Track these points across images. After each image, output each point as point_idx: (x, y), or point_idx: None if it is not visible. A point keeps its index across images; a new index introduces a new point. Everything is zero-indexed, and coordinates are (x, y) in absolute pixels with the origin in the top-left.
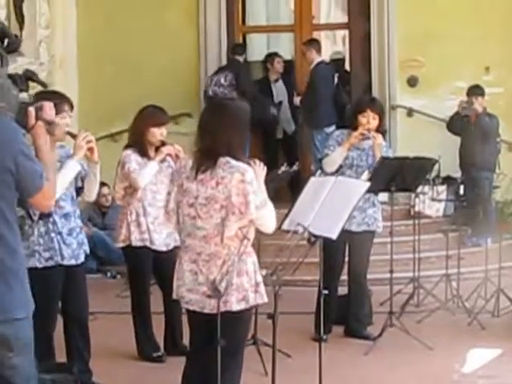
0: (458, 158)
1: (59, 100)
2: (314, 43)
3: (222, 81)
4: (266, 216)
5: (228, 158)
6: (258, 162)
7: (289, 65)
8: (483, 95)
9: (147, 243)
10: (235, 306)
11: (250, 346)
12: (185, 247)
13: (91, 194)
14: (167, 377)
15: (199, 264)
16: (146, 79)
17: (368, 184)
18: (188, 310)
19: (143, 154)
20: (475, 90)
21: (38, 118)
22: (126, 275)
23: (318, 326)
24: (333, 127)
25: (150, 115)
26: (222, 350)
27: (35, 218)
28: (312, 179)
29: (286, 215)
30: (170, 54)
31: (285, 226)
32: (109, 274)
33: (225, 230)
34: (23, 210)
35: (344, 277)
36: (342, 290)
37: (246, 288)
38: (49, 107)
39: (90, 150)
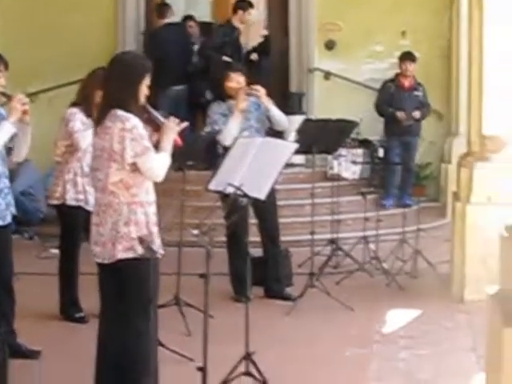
0: (385, 123)
1: None
2: None
3: None
4: (150, 164)
5: (118, 110)
6: (173, 118)
7: (208, 27)
8: (415, 61)
9: (82, 203)
10: (122, 254)
11: (172, 307)
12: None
13: (20, 154)
14: (90, 337)
15: (100, 215)
16: (62, 39)
17: (296, 145)
18: (97, 264)
19: (88, 114)
20: (407, 56)
21: None
22: (42, 237)
23: (237, 287)
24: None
25: (100, 77)
26: (125, 302)
27: None
28: (239, 140)
29: (213, 176)
30: (87, 14)
31: (212, 187)
32: (26, 235)
33: (108, 177)
34: None
35: (257, 239)
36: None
37: (134, 238)
38: None
39: (25, 112)
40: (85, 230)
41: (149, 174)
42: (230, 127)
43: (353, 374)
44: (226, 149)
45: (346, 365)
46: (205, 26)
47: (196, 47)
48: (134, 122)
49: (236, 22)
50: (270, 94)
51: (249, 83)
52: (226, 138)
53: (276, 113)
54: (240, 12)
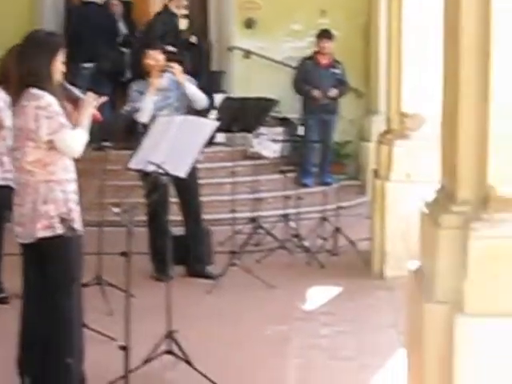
0: (302, 101)
1: None
2: None
3: None
4: (66, 140)
5: (32, 89)
6: (90, 93)
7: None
8: (332, 39)
9: (10, 183)
10: (41, 233)
11: (94, 286)
12: None
13: None
14: (12, 317)
15: (21, 195)
16: None
17: (217, 123)
18: (19, 244)
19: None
20: (324, 34)
21: None
22: None
23: (158, 266)
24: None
25: None
26: (48, 282)
27: None
28: (159, 119)
29: (133, 154)
30: None
31: (132, 165)
32: None
33: (24, 156)
34: None
35: (178, 217)
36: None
37: (52, 216)
38: None
39: None
40: (10, 209)
41: (65, 150)
42: (145, 104)
43: (275, 351)
44: (146, 127)
45: (268, 342)
46: (127, 4)
47: (121, 25)
48: (48, 99)
49: (174, 9)
50: (199, 73)
51: (169, 60)
52: (141, 115)
53: (192, 91)
54: None
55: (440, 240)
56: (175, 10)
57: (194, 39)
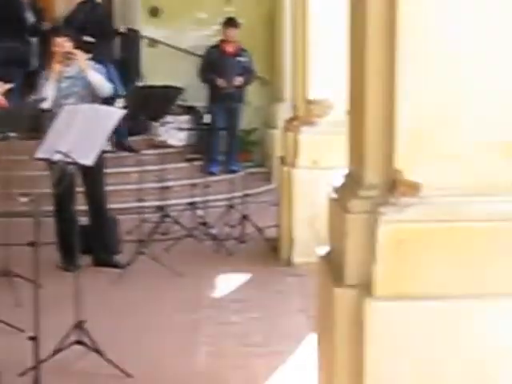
0: (208, 89)
1: None
2: None
3: None
4: None
5: None
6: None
7: None
8: (237, 27)
9: None
10: None
11: (1, 278)
12: None
13: None
14: None
15: None
16: None
17: (123, 111)
18: None
19: None
20: (229, 22)
21: None
22: None
23: (65, 256)
24: None
25: None
26: None
27: None
28: (66, 107)
29: (40, 144)
30: None
31: (39, 155)
32: None
33: None
34: None
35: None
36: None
37: None
38: None
39: None
40: None
41: None
42: (46, 91)
43: (185, 340)
44: (52, 116)
45: (179, 330)
46: None
47: (28, 14)
48: None
49: None
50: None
51: (79, 48)
52: (44, 103)
53: (94, 78)
54: None
55: (348, 224)
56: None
57: (123, 29)
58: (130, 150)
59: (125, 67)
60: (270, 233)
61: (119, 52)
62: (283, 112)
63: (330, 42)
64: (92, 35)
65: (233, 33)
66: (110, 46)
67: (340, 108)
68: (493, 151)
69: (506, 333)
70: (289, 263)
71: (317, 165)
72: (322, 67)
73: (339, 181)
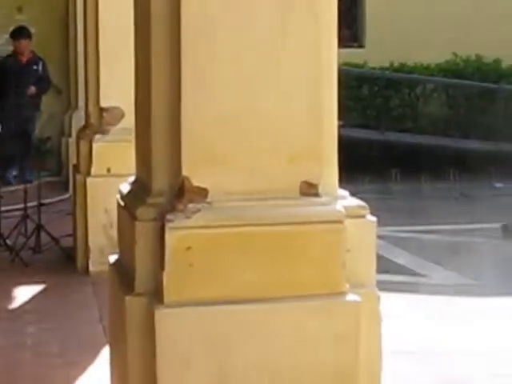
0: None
1: None
2: None
3: None
4: None
5: None
6: None
7: None
8: (25, 36)
9: None
10: None
11: None
12: None
13: None
14: None
15: None
16: None
17: None
18: None
19: None
20: (18, 33)
21: None
22: None
23: None
24: None
25: None
26: None
27: None
28: None
29: None
30: None
31: None
32: None
33: None
34: None
35: None
36: None
37: None
38: None
39: None
40: None
41: None
42: None
43: None
44: None
45: None
46: None
47: None
48: None
49: None
50: None
51: None
52: None
53: None
54: None
55: (137, 232)
56: None
57: None
58: None
59: None
60: (67, 242)
61: None
62: (78, 120)
63: (121, 50)
64: None
65: (23, 43)
66: None
67: (132, 116)
68: (275, 158)
69: (294, 333)
70: (85, 272)
71: (110, 172)
72: (114, 74)
73: (127, 188)
